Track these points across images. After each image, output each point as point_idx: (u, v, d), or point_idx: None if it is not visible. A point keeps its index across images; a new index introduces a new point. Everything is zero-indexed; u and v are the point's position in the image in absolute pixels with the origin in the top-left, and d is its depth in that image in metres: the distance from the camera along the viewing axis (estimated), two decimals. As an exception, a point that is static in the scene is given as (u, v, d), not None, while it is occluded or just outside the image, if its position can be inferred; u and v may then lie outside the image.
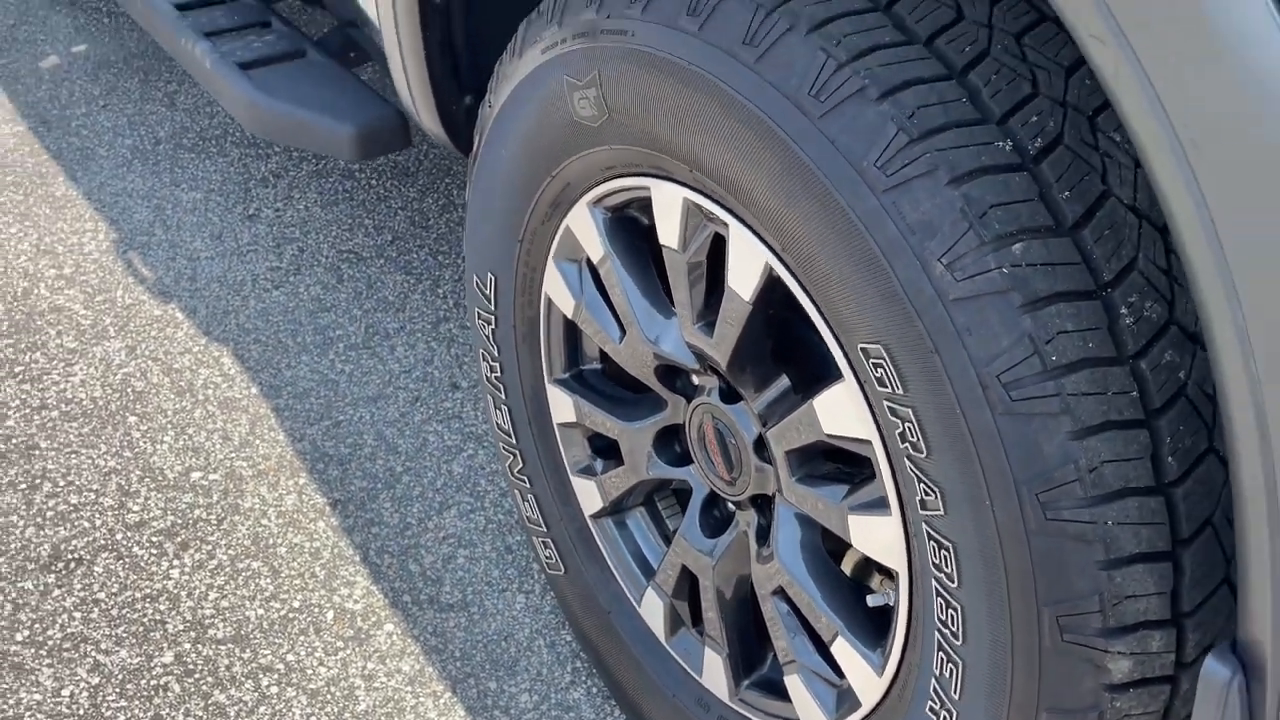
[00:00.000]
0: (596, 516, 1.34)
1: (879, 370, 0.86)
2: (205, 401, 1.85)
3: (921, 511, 0.88)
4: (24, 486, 1.70)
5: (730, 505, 1.19)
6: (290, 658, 1.48)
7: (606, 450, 1.31)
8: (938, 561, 0.88)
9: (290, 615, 1.53)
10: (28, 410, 1.82)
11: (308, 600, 1.55)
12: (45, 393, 1.86)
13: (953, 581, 0.87)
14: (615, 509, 1.33)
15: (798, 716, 1.15)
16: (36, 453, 1.75)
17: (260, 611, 1.53)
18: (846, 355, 0.90)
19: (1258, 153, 0.60)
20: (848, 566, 1.14)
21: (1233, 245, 0.62)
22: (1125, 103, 0.64)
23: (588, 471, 1.33)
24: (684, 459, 1.22)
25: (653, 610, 1.30)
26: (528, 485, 1.40)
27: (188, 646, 1.49)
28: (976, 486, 0.82)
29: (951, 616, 0.89)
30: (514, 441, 1.39)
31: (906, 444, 0.86)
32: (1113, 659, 0.82)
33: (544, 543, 1.41)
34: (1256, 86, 0.59)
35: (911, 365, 0.83)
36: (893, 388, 0.85)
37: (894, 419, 0.87)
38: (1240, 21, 0.58)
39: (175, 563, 1.59)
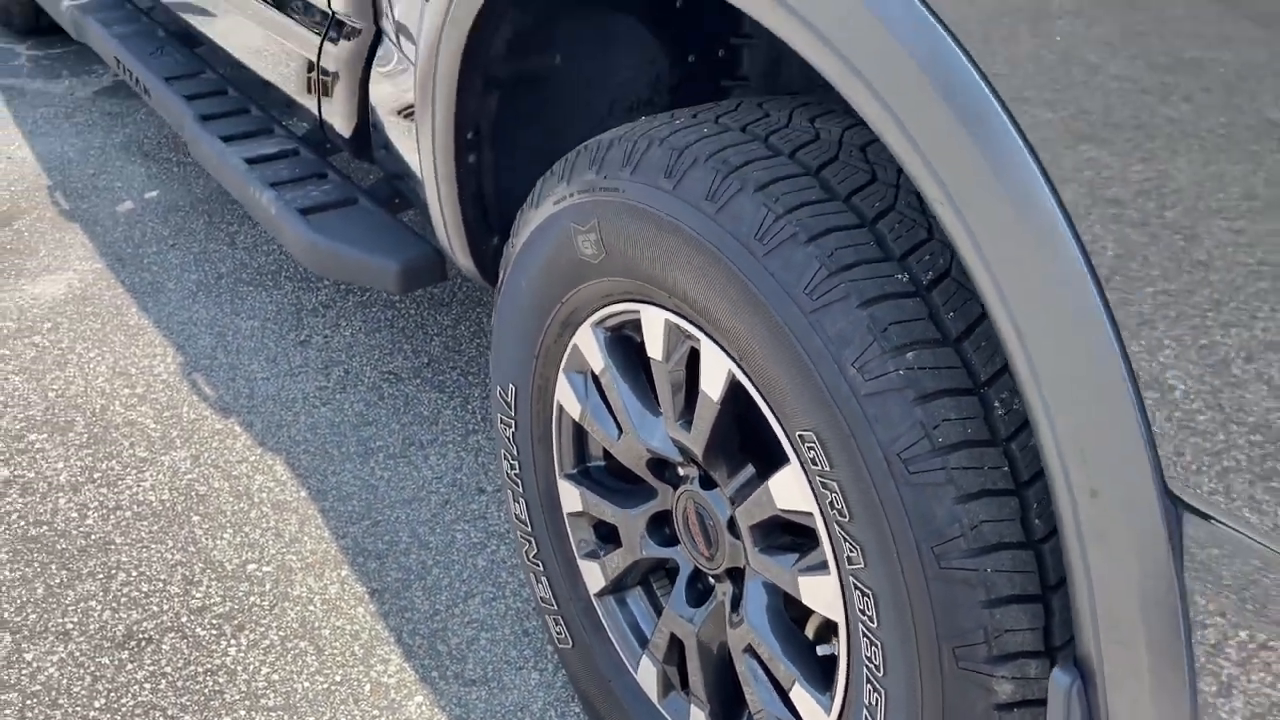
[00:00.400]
0: (600, 595, 1.56)
1: (812, 452, 1.09)
2: (260, 503, 2.08)
3: (849, 567, 1.09)
4: (101, 576, 1.93)
5: (710, 579, 1.40)
6: (332, 724, 1.68)
7: (608, 536, 1.53)
8: (862, 607, 1.09)
9: (332, 688, 1.74)
10: (105, 511, 2.06)
11: (348, 675, 1.76)
12: (120, 495, 2.10)
13: (874, 623, 1.08)
14: (616, 587, 1.55)
15: (768, 761, 1.34)
16: (112, 547, 1.99)
17: (306, 684, 1.74)
18: (790, 441, 1.13)
19: (1049, 285, 0.83)
20: (811, 629, 1.35)
21: (1040, 362, 0.85)
22: (959, 246, 0.88)
23: (592, 555, 1.55)
24: (672, 540, 1.44)
25: (647, 675, 1.50)
26: (541, 569, 1.62)
27: (243, 714, 1.69)
28: (887, 543, 1.04)
29: (875, 653, 1.09)
30: (530, 529, 1.61)
31: (835, 511, 1.08)
32: (998, 683, 1.02)
33: (555, 620, 1.62)
34: (1037, 235, 0.82)
35: (835, 447, 1.06)
36: (823, 466, 1.08)
37: (825, 491, 1.09)
38: (1017, 185, 0.82)
39: (233, 642, 1.81)
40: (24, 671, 1.75)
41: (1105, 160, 0.78)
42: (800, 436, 1.10)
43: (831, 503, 1.09)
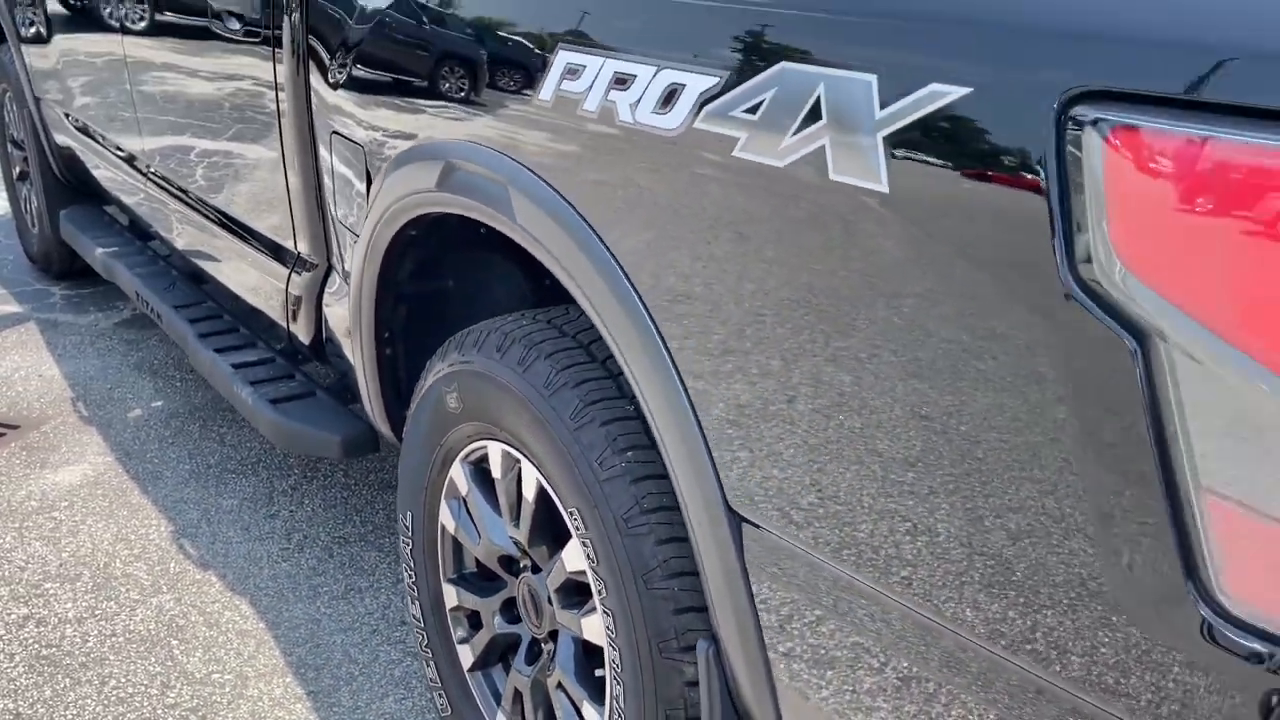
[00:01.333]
0: (470, 670, 2.09)
1: (576, 523, 1.66)
2: (226, 631, 2.62)
3: (600, 598, 1.65)
4: (96, 682, 2.45)
5: (540, 644, 1.94)
6: (268, 783, 2.17)
7: (475, 623, 2.08)
8: (608, 625, 1.64)
9: (271, 759, 2.23)
10: (103, 637, 2.60)
11: (284, 750, 2.26)
12: (115, 626, 2.64)
13: (615, 634, 1.63)
14: (482, 664, 2.08)
15: (576, 773, 1.85)
16: (106, 663, 2.51)
17: (251, 756, 2.24)
18: (567, 517, 1.71)
19: (665, 397, 1.44)
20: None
21: (668, 440, 1.45)
22: (631, 382, 1.50)
23: (465, 640, 2.09)
24: (517, 620, 1.99)
25: (502, 727, 2.02)
26: (430, 655, 2.15)
27: (200, 775, 2.19)
28: (617, 576, 1.60)
29: (616, 656, 1.64)
30: (423, 625, 2.16)
31: (591, 561, 1.65)
32: (685, 665, 1.56)
33: (440, 694, 2.14)
34: (659, 371, 1.44)
35: (589, 516, 1.64)
36: (583, 530, 1.66)
37: (585, 548, 1.66)
38: (650, 350, 1.45)
39: (196, 728, 2.32)
40: (32, 747, 2.25)
41: (708, 367, 1.41)
42: (570, 512, 1.68)
43: (589, 555, 1.66)
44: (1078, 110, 0.95)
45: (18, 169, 4.79)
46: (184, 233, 3.25)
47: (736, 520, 1.40)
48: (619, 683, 1.65)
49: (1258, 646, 0.91)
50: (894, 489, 1.20)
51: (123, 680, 2.45)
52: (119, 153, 3.58)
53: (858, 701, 1.31)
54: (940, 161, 1.06)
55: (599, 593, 1.66)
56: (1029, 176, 0.99)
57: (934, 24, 1.09)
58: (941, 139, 1.06)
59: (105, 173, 3.85)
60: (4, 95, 4.67)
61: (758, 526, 1.38)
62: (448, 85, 1.82)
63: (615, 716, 1.68)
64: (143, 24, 3.07)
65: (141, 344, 4.24)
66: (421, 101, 1.90)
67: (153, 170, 3.34)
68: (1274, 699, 0.90)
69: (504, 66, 1.68)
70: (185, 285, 3.45)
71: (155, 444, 3.50)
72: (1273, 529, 0.89)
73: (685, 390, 1.41)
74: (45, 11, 3.83)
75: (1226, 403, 0.90)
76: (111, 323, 4.44)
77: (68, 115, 4.00)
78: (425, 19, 1.91)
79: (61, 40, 3.77)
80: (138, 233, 4.02)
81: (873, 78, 1.11)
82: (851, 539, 1.27)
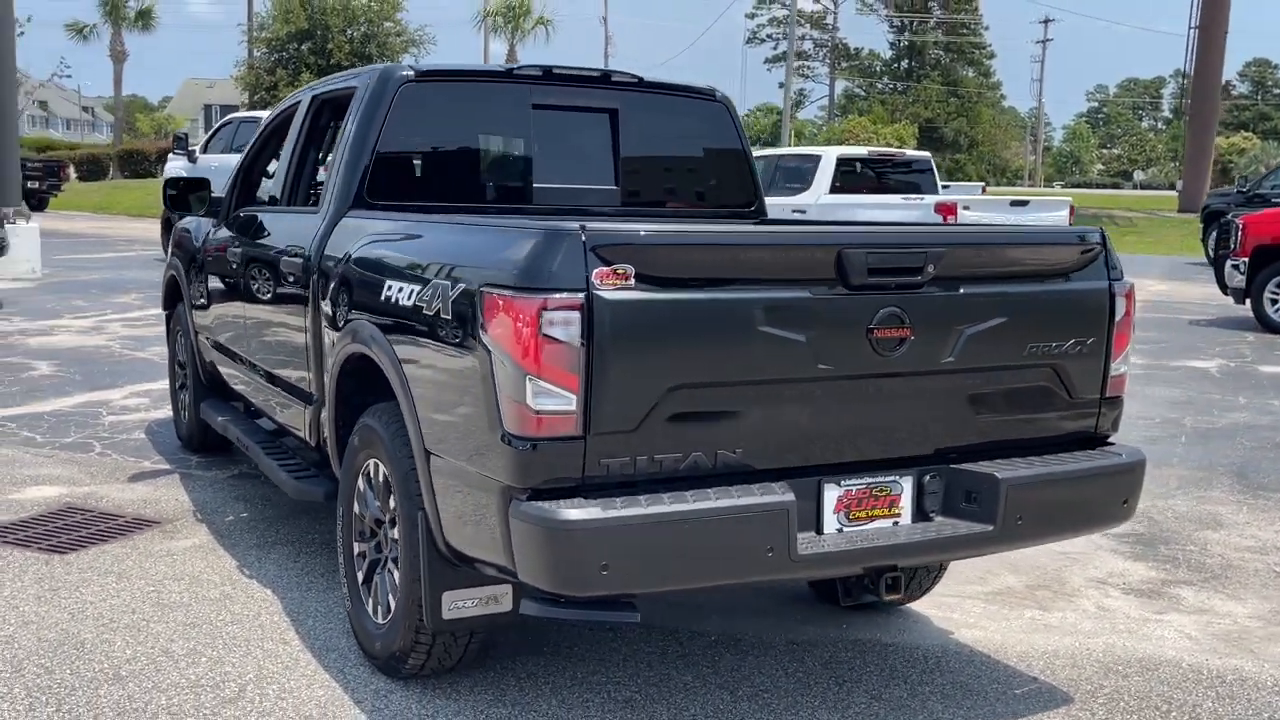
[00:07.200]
0: (361, 583, 4.25)
1: (393, 481, 3.89)
2: (273, 598, 4.81)
3: (399, 513, 3.85)
4: (223, 604, 4.66)
5: (387, 559, 4.11)
6: (261, 643, 4.34)
7: (363, 558, 4.26)
8: (401, 525, 3.83)
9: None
10: (220, 594, 4.82)
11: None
12: (222, 590, 4.86)
13: (402, 529, 3.82)
14: (365, 579, 4.24)
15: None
16: (228, 600, 4.73)
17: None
18: (391, 481, 3.92)
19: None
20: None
21: (425, 429, 3.68)
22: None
23: (359, 566, 4.26)
24: (380, 549, 4.17)
25: (368, 602, 4.16)
26: (346, 579, 4.32)
27: None
28: (404, 499, 3.80)
29: (396, 530, 3.82)
30: (342, 563, 4.34)
31: (396, 497, 3.86)
32: (419, 530, 3.73)
33: (347, 599, 4.30)
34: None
35: (395, 477, 3.85)
36: (396, 485, 3.87)
37: (396, 493, 3.88)
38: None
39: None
40: None
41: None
42: (391, 478, 3.91)
43: (395, 495, 3.87)
44: (482, 288, 3.27)
45: (180, 382, 7.38)
46: (264, 395, 5.68)
47: (427, 454, 3.63)
48: (402, 548, 3.84)
49: (509, 441, 3.14)
50: (464, 428, 3.43)
51: (236, 604, 4.67)
52: (238, 359, 6.09)
53: (466, 514, 3.49)
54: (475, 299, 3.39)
55: (398, 509, 3.87)
56: (471, 308, 3.31)
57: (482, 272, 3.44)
58: (463, 301, 3.39)
59: (228, 370, 6.36)
60: (178, 334, 7.32)
61: (434, 455, 3.61)
62: (360, 306, 4.23)
63: (400, 564, 3.85)
64: (252, 298, 5.64)
65: (239, 487, 6.63)
66: (354, 313, 4.30)
67: (254, 365, 5.81)
68: (515, 458, 3.12)
69: (376, 292, 4.07)
70: (264, 433, 5.87)
71: (238, 532, 5.81)
72: (522, 410, 3.14)
73: (418, 419, 3.67)
74: (208, 295, 6.49)
75: (505, 373, 3.16)
76: (225, 476, 6.86)
77: (208, 339, 6.58)
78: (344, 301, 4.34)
79: (215, 307, 6.40)
80: (244, 410, 6.51)
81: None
82: (457, 453, 3.49)
